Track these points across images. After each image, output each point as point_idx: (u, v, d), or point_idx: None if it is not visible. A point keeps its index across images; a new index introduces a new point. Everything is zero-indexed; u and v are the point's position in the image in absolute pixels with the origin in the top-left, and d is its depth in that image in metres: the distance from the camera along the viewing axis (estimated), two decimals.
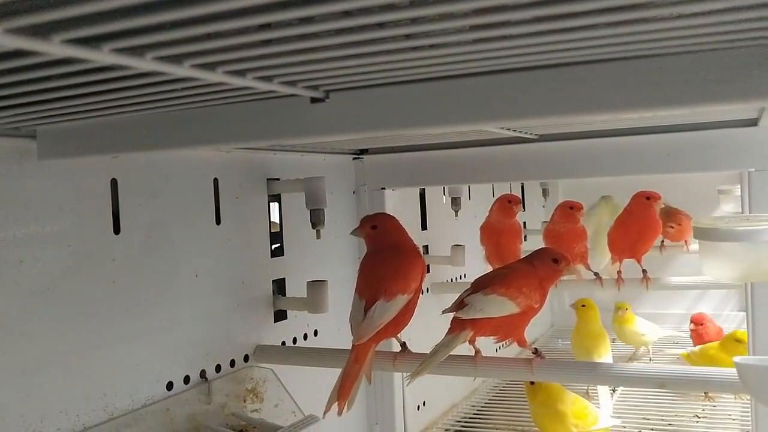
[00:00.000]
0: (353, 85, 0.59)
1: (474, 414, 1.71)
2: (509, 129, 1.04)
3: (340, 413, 0.92)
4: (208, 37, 0.41)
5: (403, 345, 1.01)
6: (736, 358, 0.73)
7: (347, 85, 0.59)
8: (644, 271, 1.47)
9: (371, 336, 0.94)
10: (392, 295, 0.96)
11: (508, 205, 1.52)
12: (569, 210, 1.53)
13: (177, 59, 0.46)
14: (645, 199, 1.50)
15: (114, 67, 0.46)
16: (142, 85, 0.52)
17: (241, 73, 0.51)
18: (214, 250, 1.03)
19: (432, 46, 0.47)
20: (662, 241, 1.71)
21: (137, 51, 0.43)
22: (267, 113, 0.64)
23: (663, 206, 1.70)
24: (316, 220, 1.10)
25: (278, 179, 1.16)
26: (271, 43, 0.44)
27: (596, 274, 1.50)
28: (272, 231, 1.18)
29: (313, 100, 0.60)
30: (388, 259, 1.02)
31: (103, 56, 0.42)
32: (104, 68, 0.47)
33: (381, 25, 0.42)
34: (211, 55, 0.46)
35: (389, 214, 1.10)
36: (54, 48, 0.39)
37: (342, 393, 0.92)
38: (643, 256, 1.50)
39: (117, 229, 0.88)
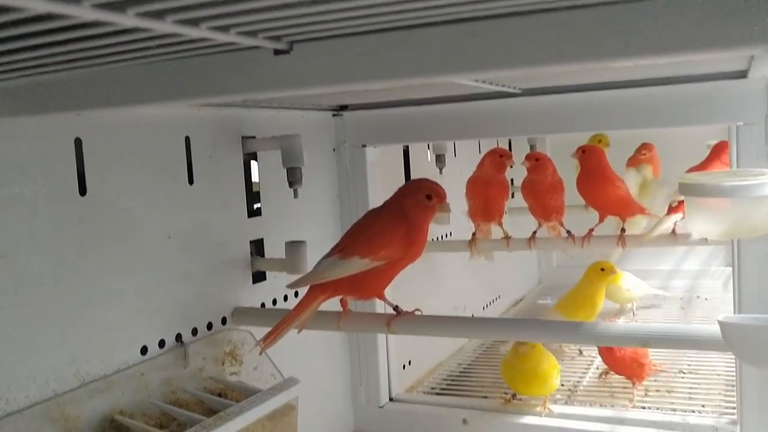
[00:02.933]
0: (319, 35, 0.55)
1: (460, 372, 1.70)
2: (490, 83, 1.00)
3: (260, 352, 0.95)
4: None
5: (396, 308, 0.97)
6: (720, 317, 0.72)
7: (312, 35, 0.55)
8: (623, 230, 1.45)
9: (301, 286, 0.92)
10: (348, 255, 0.91)
11: (499, 159, 1.48)
12: (535, 162, 1.49)
13: (120, 7, 0.42)
14: (582, 152, 1.47)
15: (53, 17, 0.43)
16: (88, 37, 0.49)
17: (193, 22, 0.47)
18: (187, 211, 1.00)
19: None
20: None
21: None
22: (229, 67, 0.60)
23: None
24: (293, 178, 1.07)
25: (254, 137, 1.13)
26: None
27: (569, 232, 1.48)
28: (253, 190, 1.15)
29: (277, 52, 0.57)
30: (370, 217, 0.99)
31: (35, 3, 0.38)
32: (44, 17, 0.43)
33: None
34: (159, 3, 0.42)
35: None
36: None
37: (269, 333, 0.91)
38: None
39: (83, 191, 0.85)
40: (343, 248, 0.93)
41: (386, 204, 0.99)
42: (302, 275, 0.95)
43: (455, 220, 1.61)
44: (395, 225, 0.94)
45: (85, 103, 0.70)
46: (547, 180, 1.48)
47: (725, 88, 1.10)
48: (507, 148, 2.18)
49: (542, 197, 1.49)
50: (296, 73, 0.58)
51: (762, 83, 1.08)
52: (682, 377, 1.55)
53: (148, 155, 0.94)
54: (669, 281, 2.03)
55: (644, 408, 1.38)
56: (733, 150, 1.11)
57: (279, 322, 0.91)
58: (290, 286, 0.94)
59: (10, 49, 0.52)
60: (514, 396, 1.40)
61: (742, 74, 1.08)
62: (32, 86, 0.71)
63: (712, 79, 1.11)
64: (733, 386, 1.32)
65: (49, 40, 0.50)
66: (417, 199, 0.94)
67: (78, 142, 0.84)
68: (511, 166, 1.53)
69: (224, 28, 0.50)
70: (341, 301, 1.00)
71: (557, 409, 1.35)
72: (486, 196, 1.50)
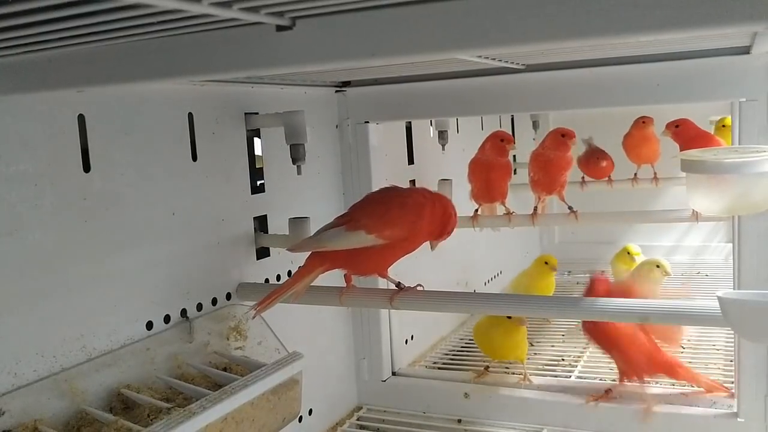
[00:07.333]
0: (321, 11, 0.55)
1: (462, 347, 1.72)
2: (493, 59, 1.00)
3: (253, 316, 0.95)
4: None
5: (398, 284, 0.98)
6: (719, 293, 0.72)
7: (315, 11, 0.55)
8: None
9: (301, 251, 0.95)
10: (355, 228, 0.92)
11: (500, 143, 1.48)
12: (561, 137, 1.50)
13: None
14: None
15: None
16: (89, 13, 0.49)
17: None
18: (191, 188, 1.01)
19: None
20: (582, 177, 1.75)
21: None
22: (232, 43, 0.60)
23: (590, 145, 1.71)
24: (296, 155, 1.07)
25: (257, 113, 1.13)
26: None
27: (570, 208, 1.49)
28: (257, 166, 1.16)
29: (279, 28, 0.57)
30: (391, 195, 0.99)
31: None
32: None
33: None
34: None
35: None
36: None
37: (264, 299, 0.92)
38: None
39: (87, 167, 0.85)
40: (351, 220, 0.93)
41: (415, 191, 1.00)
42: (299, 241, 0.98)
43: (458, 196, 1.62)
44: (413, 212, 0.95)
45: (87, 80, 0.70)
46: (565, 156, 1.49)
47: (728, 64, 1.10)
48: (509, 123, 2.18)
49: (555, 172, 1.49)
50: (299, 49, 0.58)
51: (765, 59, 1.07)
52: (682, 352, 1.56)
53: (152, 132, 0.94)
54: (670, 256, 2.03)
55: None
56: (736, 126, 1.11)
57: (275, 289, 0.93)
58: (290, 249, 0.96)
59: (11, 25, 0.53)
60: (487, 368, 1.43)
61: (745, 50, 1.08)
62: (34, 63, 0.71)
63: (715, 55, 1.10)
64: (731, 361, 1.33)
65: (50, 16, 0.50)
66: (439, 217, 0.99)
67: (81, 119, 0.84)
68: (514, 155, 1.55)
69: (226, 4, 0.50)
70: (345, 276, 1.01)
71: (559, 382, 1.37)
72: (487, 178, 1.50)
